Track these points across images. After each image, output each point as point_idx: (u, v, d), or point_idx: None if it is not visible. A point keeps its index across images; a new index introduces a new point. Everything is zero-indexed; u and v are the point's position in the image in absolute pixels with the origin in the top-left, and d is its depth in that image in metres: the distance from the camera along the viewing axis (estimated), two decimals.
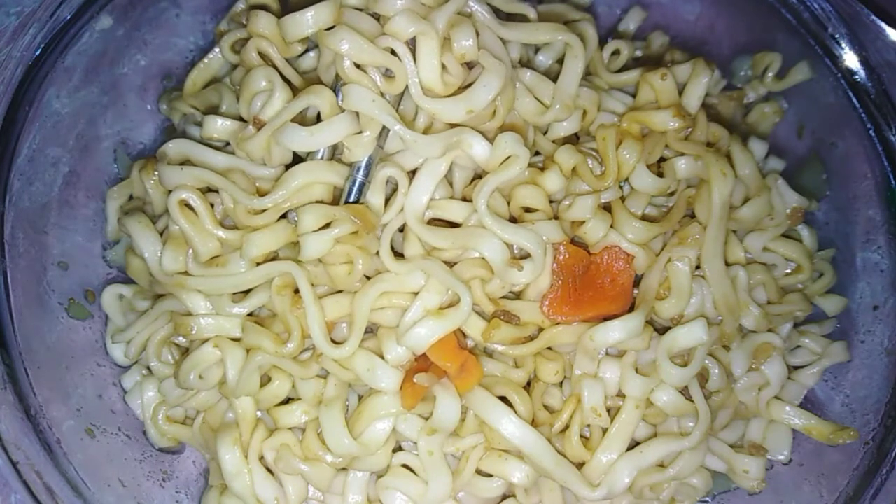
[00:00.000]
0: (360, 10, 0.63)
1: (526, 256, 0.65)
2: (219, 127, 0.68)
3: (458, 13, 0.63)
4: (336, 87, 0.64)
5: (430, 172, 0.64)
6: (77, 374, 0.72)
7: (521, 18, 0.68)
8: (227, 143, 0.70)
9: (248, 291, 0.67)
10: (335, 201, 0.66)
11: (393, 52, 0.61)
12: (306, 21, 0.62)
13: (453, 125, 0.64)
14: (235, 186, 0.65)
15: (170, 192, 0.66)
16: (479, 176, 0.67)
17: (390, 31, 0.61)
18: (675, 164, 0.69)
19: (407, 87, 0.62)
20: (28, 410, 0.64)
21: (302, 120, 0.65)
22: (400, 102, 0.65)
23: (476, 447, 0.67)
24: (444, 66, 0.62)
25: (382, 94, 0.62)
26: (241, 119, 0.68)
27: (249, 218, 0.64)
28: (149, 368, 0.72)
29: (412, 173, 0.65)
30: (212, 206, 0.67)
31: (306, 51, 0.71)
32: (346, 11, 0.62)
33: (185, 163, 0.67)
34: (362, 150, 0.64)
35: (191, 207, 0.66)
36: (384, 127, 0.63)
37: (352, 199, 0.64)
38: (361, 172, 0.65)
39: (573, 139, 0.71)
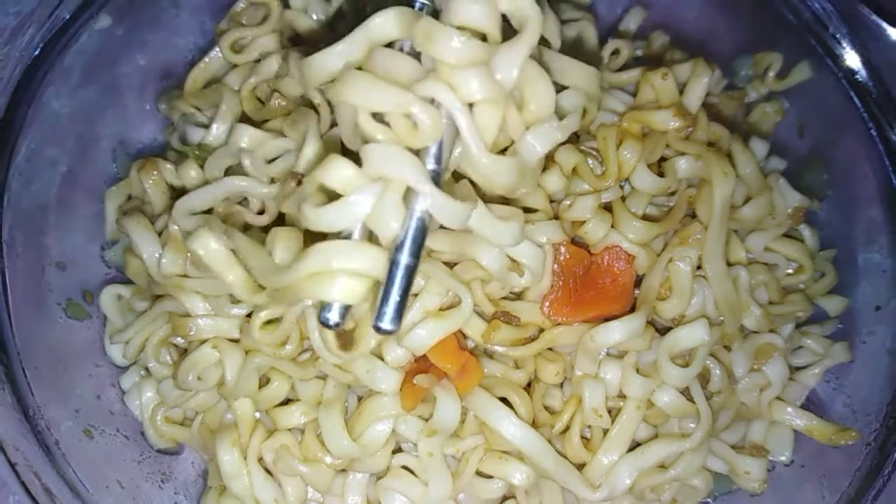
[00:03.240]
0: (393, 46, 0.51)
1: None
2: (251, 135, 0.66)
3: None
4: None
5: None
6: (75, 375, 0.72)
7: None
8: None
9: None
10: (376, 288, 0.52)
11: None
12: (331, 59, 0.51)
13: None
14: (257, 257, 0.56)
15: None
16: None
17: (451, 84, 0.48)
18: (676, 164, 0.69)
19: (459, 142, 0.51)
20: (26, 411, 0.64)
21: None
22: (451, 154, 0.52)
23: (476, 448, 0.67)
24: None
25: (417, 153, 0.50)
26: (246, 120, 0.67)
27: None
28: (147, 369, 0.72)
29: None
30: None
31: None
32: (375, 52, 0.50)
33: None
34: (395, 222, 0.49)
35: None
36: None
37: (395, 288, 0.49)
38: (406, 251, 0.49)
39: (573, 138, 0.71)
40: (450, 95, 0.48)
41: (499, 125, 0.50)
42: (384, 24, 0.49)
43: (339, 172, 0.50)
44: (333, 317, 0.50)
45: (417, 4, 0.52)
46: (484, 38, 0.50)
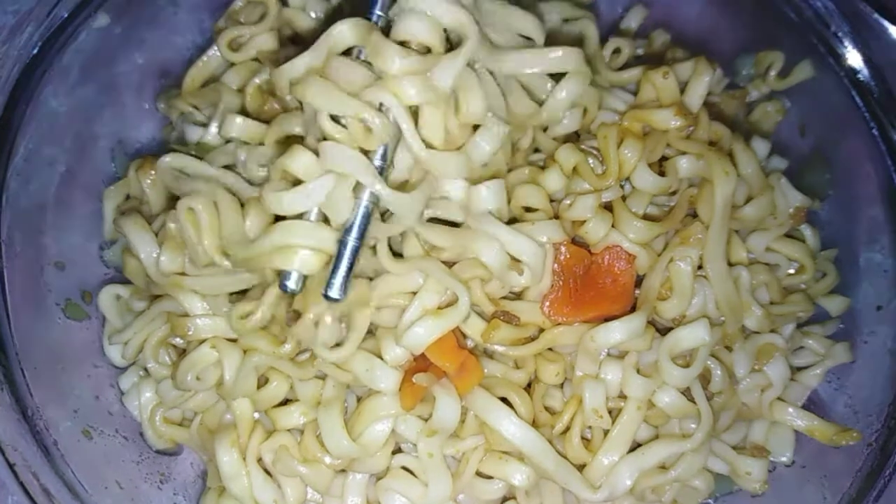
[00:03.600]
0: (350, 53, 0.58)
1: None
2: (239, 125, 0.67)
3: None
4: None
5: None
6: (74, 376, 0.72)
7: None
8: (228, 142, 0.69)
9: (245, 292, 0.67)
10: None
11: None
12: (296, 69, 0.58)
13: None
14: (231, 221, 0.62)
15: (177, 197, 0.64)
16: None
17: (393, 91, 0.56)
18: (677, 163, 0.69)
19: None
20: (25, 412, 0.64)
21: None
22: (395, 150, 0.59)
23: (476, 449, 0.67)
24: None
25: (366, 151, 0.57)
26: (250, 117, 0.68)
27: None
28: (146, 370, 0.72)
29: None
30: None
31: None
32: (332, 60, 0.57)
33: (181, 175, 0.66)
34: (345, 209, 0.57)
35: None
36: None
37: (343, 264, 0.58)
38: (354, 235, 0.58)
39: (574, 137, 0.71)
40: (393, 100, 0.56)
41: (442, 125, 0.58)
42: (343, 32, 0.57)
43: (301, 161, 0.58)
44: (291, 284, 0.59)
45: (374, 17, 0.59)
46: (429, 49, 0.58)
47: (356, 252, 0.58)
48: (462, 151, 0.59)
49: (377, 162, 0.58)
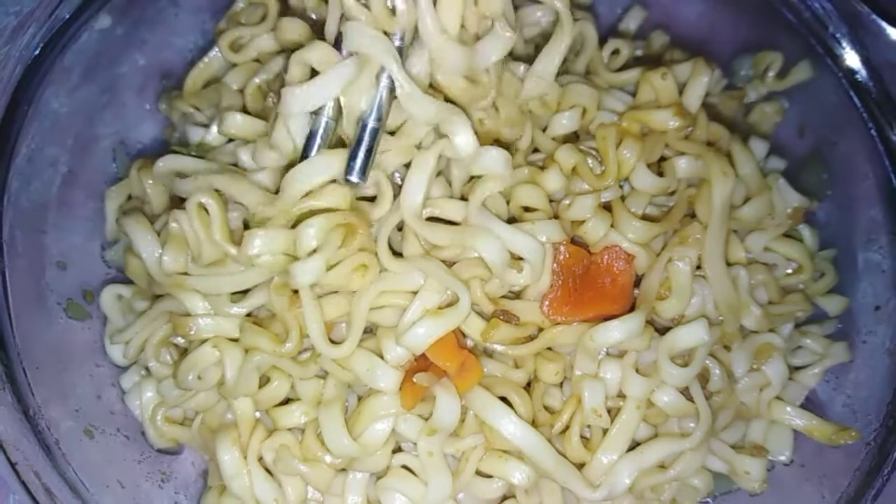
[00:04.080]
0: None
1: None
2: (238, 122, 0.67)
3: None
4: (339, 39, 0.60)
5: (420, 168, 0.62)
6: (76, 375, 0.72)
7: None
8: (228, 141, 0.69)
9: (246, 291, 0.67)
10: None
11: None
12: None
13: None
14: (249, 192, 0.63)
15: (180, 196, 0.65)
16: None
17: None
18: (676, 164, 0.69)
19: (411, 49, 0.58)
20: (27, 411, 0.64)
21: None
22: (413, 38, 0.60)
23: (476, 448, 0.67)
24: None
25: (387, 33, 0.58)
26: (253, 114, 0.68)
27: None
28: (147, 369, 0.72)
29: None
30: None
31: None
32: None
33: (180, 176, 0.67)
34: (365, 97, 0.58)
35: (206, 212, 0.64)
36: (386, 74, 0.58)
37: (363, 147, 0.58)
38: (373, 116, 0.58)
39: (573, 138, 0.71)
40: None
41: (460, 9, 0.58)
42: None
43: (318, 52, 0.58)
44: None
45: None
46: None
47: (375, 134, 0.58)
48: (469, 47, 0.59)
49: (396, 43, 0.58)
